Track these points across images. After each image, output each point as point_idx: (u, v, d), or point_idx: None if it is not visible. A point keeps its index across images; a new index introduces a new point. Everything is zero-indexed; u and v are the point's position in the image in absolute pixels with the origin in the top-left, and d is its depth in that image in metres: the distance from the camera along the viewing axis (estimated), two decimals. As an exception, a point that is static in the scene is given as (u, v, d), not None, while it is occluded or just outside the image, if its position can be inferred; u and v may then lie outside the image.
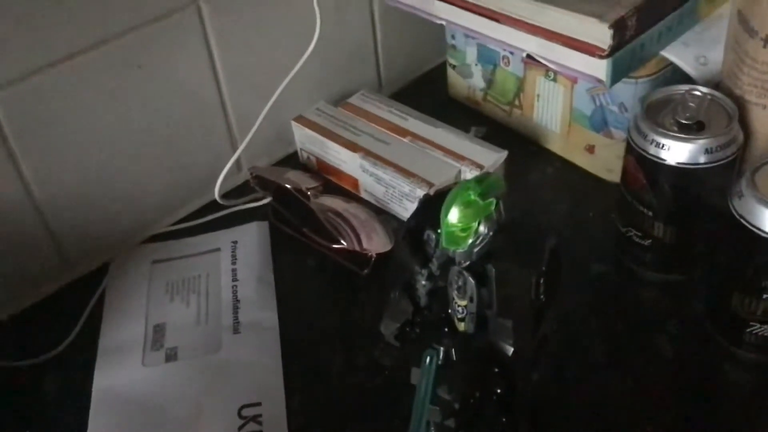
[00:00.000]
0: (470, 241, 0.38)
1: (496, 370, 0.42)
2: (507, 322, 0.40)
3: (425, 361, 0.39)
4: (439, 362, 0.39)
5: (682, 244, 0.55)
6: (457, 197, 0.38)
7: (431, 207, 0.41)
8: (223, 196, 0.68)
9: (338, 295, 0.61)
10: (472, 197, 0.38)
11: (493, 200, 0.38)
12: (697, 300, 0.56)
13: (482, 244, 0.39)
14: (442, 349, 0.40)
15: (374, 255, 0.61)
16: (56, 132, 0.57)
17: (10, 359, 0.56)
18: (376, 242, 0.62)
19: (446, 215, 0.38)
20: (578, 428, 0.50)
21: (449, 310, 0.43)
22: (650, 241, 0.56)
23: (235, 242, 0.64)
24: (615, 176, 0.62)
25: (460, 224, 0.38)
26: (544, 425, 0.49)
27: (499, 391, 0.43)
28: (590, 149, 0.67)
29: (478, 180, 0.38)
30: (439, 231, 0.40)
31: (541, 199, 0.68)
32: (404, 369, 0.45)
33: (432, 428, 0.39)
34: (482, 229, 0.38)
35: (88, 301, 0.60)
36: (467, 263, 0.40)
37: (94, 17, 0.55)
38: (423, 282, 0.44)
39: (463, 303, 0.41)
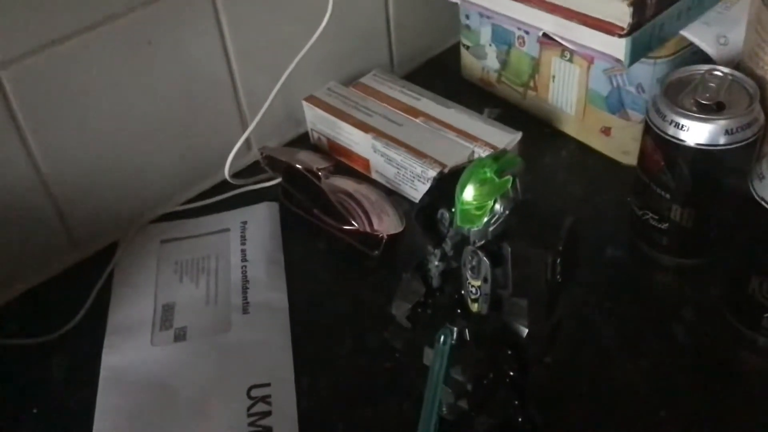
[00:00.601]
0: (485, 219, 0.38)
1: (510, 351, 0.41)
2: (522, 302, 0.39)
3: (439, 341, 0.38)
4: (453, 342, 0.38)
5: (699, 227, 0.54)
6: (472, 174, 0.37)
7: (445, 185, 0.41)
8: (234, 176, 0.67)
9: (349, 277, 0.60)
10: (488, 175, 0.37)
11: (509, 178, 0.37)
12: (714, 285, 0.55)
13: (497, 223, 0.38)
14: (456, 329, 0.39)
15: (385, 236, 0.60)
16: (65, 109, 0.56)
17: (19, 338, 0.55)
18: (387, 223, 0.61)
19: (461, 193, 0.37)
20: (591, 413, 0.49)
21: (462, 291, 0.42)
22: (667, 224, 0.55)
23: (245, 222, 0.63)
24: (631, 159, 0.60)
25: (475, 202, 0.37)
26: (557, 409, 0.48)
27: (512, 373, 0.42)
28: (606, 131, 0.66)
29: (495, 157, 0.38)
30: (453, 210, 0.39)
31: (556, 182, 0.67)
32: (415, 351, 0.44)
33: (444, 408, 0.39)
34: (498, 207, 0.37)
35: (97, 280, 0.59)
36: (482, 242, 0.39)
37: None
38: (436, 262, 0.43)
39: (477, 283, 0.40)
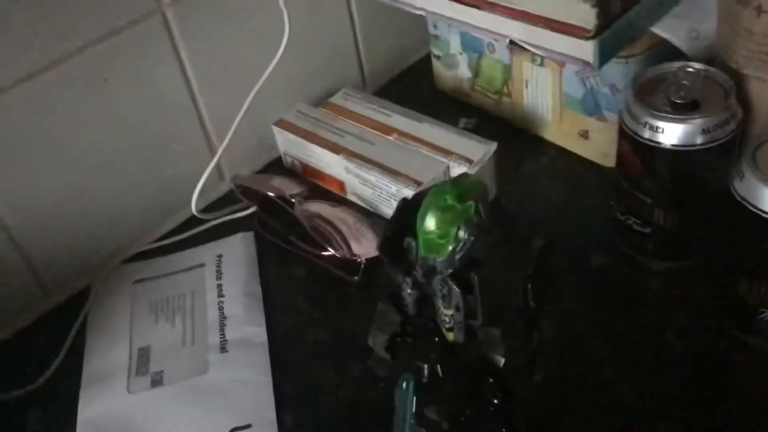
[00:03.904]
0: (450, 248, 0.36)
1: (491, 380, 0.40)
2: (495, 331, 0.37)
3: (401, 387, 0.36)
4: (424, 380, 0.36)
5: (684, 229, 0.52)
6: (432, 202, 0.35)
7: (409, 211, 0.39)
8: (207, 208, 0.66)
9: (329, 305, 0.58)
10: (449, 201, 0.35)
11: (471, 203, 0.35)
12: (704, 287, 0.53)
13: (463, 250, 0.36)
14: (426, 367, 0.37)
15: (364, 261, 0.58)
16: (23, 155, 0.54)
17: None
18: (366, 247, 0.59)
19: (422, 222, 0.36)
20: (586, 429, 0.47)
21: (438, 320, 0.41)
22: (650, 228, 0.53)
23: (220, 256, 0.62)
24: (611, 161, 0.59)
25: (437, 231, 0.35)
26: (550, 429, 0.46)
27: (496, 402, 0.41)
28: (584, 134, 0.64)
29: (455, 182, 0.36)
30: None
31: (537, 189, 0.65)
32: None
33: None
34: (462, 234, 0.36)
35: (70, 328, 0.57)
36: (450, 271, 0.37)
37: (54, 34, 0.53)
38: (409, 291, 0.41)
39: (450, 312, 0.38)
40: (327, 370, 0.53)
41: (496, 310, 0.37)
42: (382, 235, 0.40)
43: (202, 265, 0.61)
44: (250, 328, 0.56)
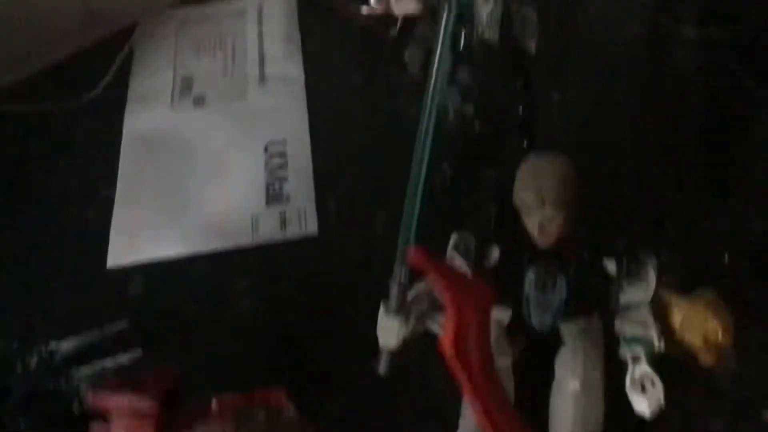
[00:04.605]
0: None
1: (519, 82, 0.42)
2: (531, 12, 0.38)
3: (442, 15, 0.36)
4: (461, 47, 0.38)
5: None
6: None
7: None
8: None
9: (365, 56, 0.60)
10: None
11: None
12: (735, 55, 0.54)
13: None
14: (463, 34, 0.38)
15: (401, 16, 0.59)
16: None
17: (44, 103, 0.56)
18: (404, 3, 0.60)
19: None
20: (601, 161, 0.49)
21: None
22: (690, -10, 0.54)
23: (261, 6, 0.63)
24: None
25: None
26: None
27: (521, 109, 0.43)
28: None
29: None
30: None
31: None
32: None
33: (451, 111, 0.39)
34: None
35: (116, 55, 0.60)
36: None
37: None
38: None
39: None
40: (359, 108, 0.56)
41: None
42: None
43: (245, 13, 0.63)
44: (287, 66, 0.58)
